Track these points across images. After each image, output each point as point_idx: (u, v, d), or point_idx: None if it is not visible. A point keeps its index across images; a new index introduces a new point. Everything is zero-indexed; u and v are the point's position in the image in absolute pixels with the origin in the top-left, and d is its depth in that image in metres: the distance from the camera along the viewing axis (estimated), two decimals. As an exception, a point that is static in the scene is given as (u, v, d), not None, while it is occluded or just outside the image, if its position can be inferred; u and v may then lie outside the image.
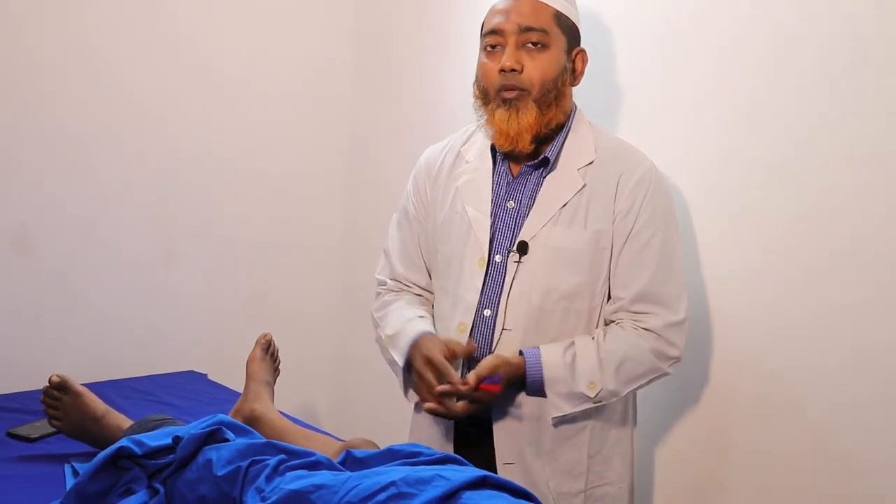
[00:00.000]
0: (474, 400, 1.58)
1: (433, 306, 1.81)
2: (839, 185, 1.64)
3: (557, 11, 1.64)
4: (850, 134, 1.62)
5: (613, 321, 1.67)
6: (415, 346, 1.65)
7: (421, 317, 1.72)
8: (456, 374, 1.57)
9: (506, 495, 1.27)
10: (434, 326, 1.73)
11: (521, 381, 1.61)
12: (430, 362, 1.59)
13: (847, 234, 1.63)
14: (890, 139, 1.56)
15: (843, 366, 1.65)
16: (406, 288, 1.82)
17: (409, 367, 1.67)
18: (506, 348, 1.63)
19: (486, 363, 1.59)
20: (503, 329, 1.64)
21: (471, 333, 1.66)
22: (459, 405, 1.58)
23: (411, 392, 1.72)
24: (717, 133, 1.83)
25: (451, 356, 1.61)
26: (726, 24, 1.80)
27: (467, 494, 1.23)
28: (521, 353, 1.63)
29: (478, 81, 1.69)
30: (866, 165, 1.60)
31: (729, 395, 1.84)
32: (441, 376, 1.57)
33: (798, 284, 1.71)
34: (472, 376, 1.56)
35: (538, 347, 1.62)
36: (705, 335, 1.83)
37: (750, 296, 1.78)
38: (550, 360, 1.60)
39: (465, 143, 1.78)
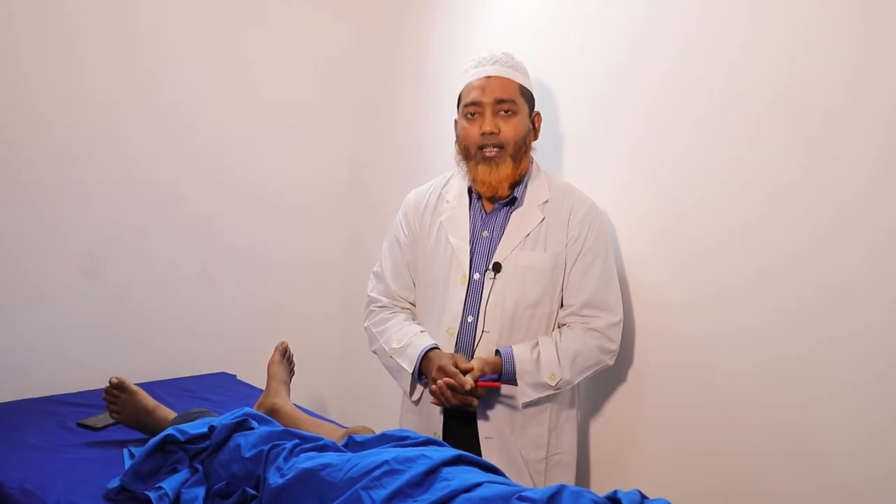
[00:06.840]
0: (475, 395, 1.80)
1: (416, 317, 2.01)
2: (747, 224, 1.77)
3: (520, 85, 1.89)
4: (762, 178, 1.73)
5: (565, 324, 1.89)
6: (427, 358, 1.85)
7: (422, 331, 1.91)
8: (463, 379, 1.77)
9: (477, 469, 1.43)
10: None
11: (498, 374, 1.83)
12: (443, 371, 1.79)
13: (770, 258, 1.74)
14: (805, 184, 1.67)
15: (749, 336, 1.78)
16: (397, 303, 2.01)
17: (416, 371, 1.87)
18: (485, 345, 1.86)
19: (476, 367, 1.79)
20: (483, 331, 1.87)
21: (458, 335, 1.88)
22: (470, 399, 1.79)
23: (418, 391, 1.91)
24: (645, 175, 1.98)
25: (455, 365, 1.80)
26: (650, 85, 1.94)
27: (446, 469, 1.38)
28: (497, 352, 1.85)
29: (459, 141, 1.92)
30: (777, 209, 1.72)
31: (643, 378, 2.01)
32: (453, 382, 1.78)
33: (706, 295, 1.85)
34: (469, 378, 1.77)
35: (511, 347, 1.84)
36: (627, 333, 1.99)
37: (668, 304, 1.94)
38: (520, 356, 1.82)
39: (444, 185, 2.01)
